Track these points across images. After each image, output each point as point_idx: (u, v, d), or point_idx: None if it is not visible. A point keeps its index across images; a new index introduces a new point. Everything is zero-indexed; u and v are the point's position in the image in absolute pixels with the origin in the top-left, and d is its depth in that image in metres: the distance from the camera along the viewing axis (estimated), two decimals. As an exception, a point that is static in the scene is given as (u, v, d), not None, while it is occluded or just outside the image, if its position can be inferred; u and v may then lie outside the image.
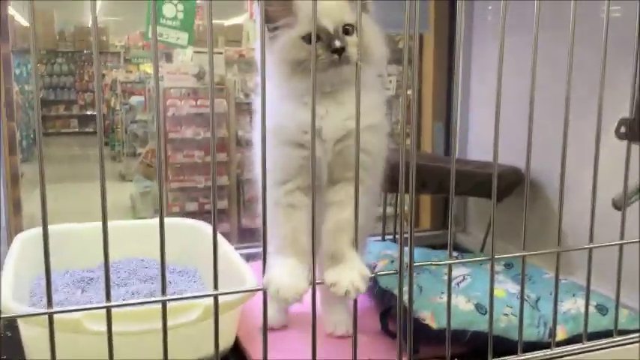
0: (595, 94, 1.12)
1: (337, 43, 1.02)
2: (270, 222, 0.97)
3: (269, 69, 0.97)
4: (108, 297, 0.86)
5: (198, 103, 4.44)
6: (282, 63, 1.06)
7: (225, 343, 1.23)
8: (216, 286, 0.93)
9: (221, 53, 4.76)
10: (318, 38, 1.02)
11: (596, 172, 1.13)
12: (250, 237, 1.32)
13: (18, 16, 6.96)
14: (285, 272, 0.99)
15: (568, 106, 1.08)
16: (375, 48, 1.09)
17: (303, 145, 1.05)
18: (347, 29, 1.05)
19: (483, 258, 1.09)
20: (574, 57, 1.07)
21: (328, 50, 1.02)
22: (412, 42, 0.95)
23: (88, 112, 12.42)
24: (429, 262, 1.01)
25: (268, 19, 1.06)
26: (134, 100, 7.75)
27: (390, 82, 5.49)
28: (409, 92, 0.98)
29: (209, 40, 0.89)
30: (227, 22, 8.63)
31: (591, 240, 1.14)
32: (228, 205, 4.60)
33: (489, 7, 1.97)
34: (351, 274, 1.00)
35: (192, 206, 4.55)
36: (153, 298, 0.89)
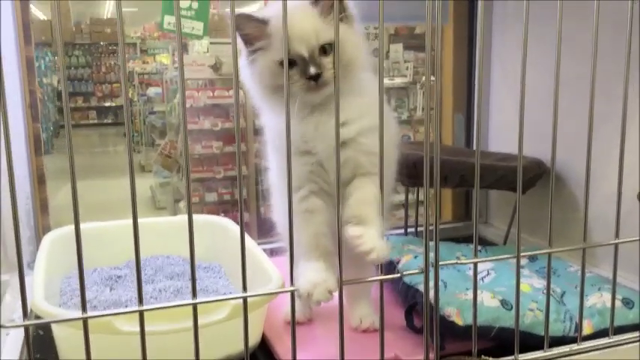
0: (620, 86, 1.11)
1: (312, 71, 0.99)
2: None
3: (252, 89, 1.01)
4: (140, 300, 0.87)
5: (215, 94, 4.45)
6: (261, 87, 1.05)
7: (253, 340, 1.24)
8: (244, 288, 0.94)
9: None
10: (294, 64, 1.00)
11: (622, 166, 1.12)
12: (270, 225, 1.34)
13: (35, 9, 7.00)
14: (313, 276, 1.01)
15: (593, 100, 1.07)
16: (358, 57, 1.05)
17: (309, 152, 1.06)
18: (325, 48, 1.02)
19: (509, 256, 1.09)
20: (599, 46, 1.05)
21: (304, 77, 1.00)
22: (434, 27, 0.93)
23: (107, 104, 12.52)
24: (454, 262, 1.01)
25: (246, 42, 1.05)
26: (151, 91, 7.79)
27: (407, 68, 5.45)
28: (432, 78, 0.95)
29: (232, 34, 0.89)
30: (241, 11, 8.57)
31: (617, 236, 1.14)
32: (248, 195, 4.63)
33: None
34: (376, 234, 0.98)
35: (211, 197, 4.59)
36: (184, 301, 0.91)
